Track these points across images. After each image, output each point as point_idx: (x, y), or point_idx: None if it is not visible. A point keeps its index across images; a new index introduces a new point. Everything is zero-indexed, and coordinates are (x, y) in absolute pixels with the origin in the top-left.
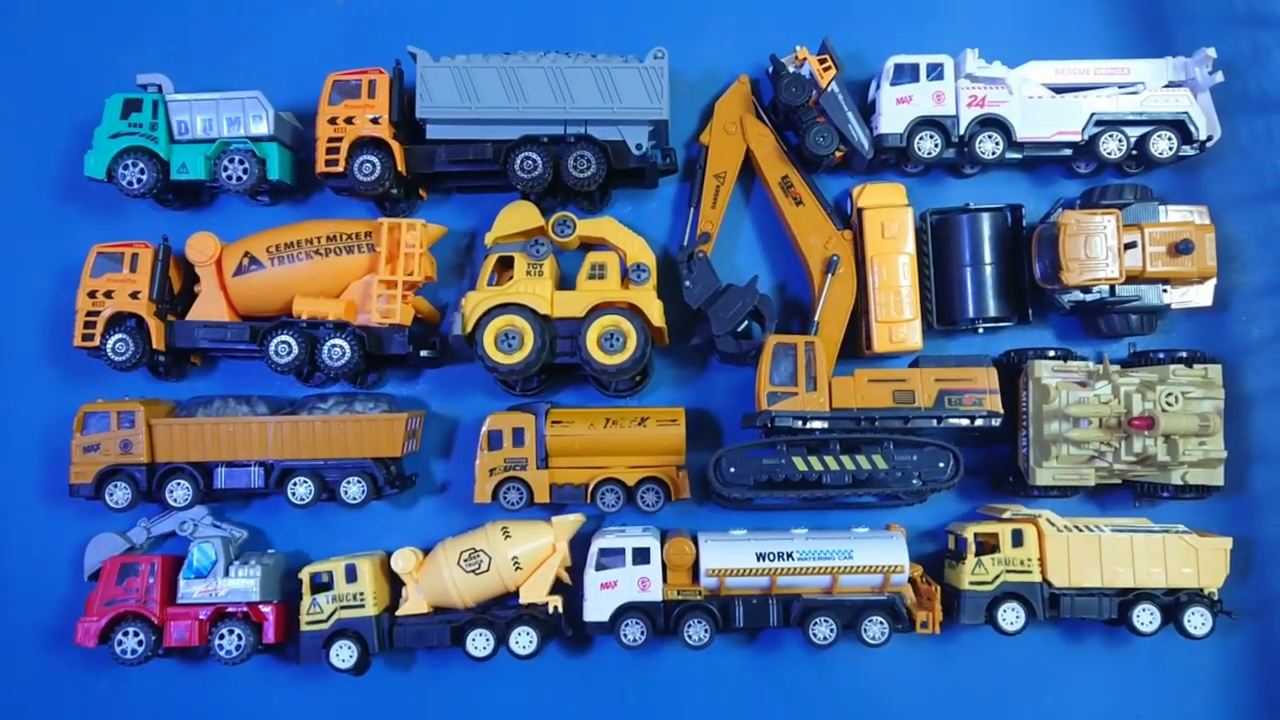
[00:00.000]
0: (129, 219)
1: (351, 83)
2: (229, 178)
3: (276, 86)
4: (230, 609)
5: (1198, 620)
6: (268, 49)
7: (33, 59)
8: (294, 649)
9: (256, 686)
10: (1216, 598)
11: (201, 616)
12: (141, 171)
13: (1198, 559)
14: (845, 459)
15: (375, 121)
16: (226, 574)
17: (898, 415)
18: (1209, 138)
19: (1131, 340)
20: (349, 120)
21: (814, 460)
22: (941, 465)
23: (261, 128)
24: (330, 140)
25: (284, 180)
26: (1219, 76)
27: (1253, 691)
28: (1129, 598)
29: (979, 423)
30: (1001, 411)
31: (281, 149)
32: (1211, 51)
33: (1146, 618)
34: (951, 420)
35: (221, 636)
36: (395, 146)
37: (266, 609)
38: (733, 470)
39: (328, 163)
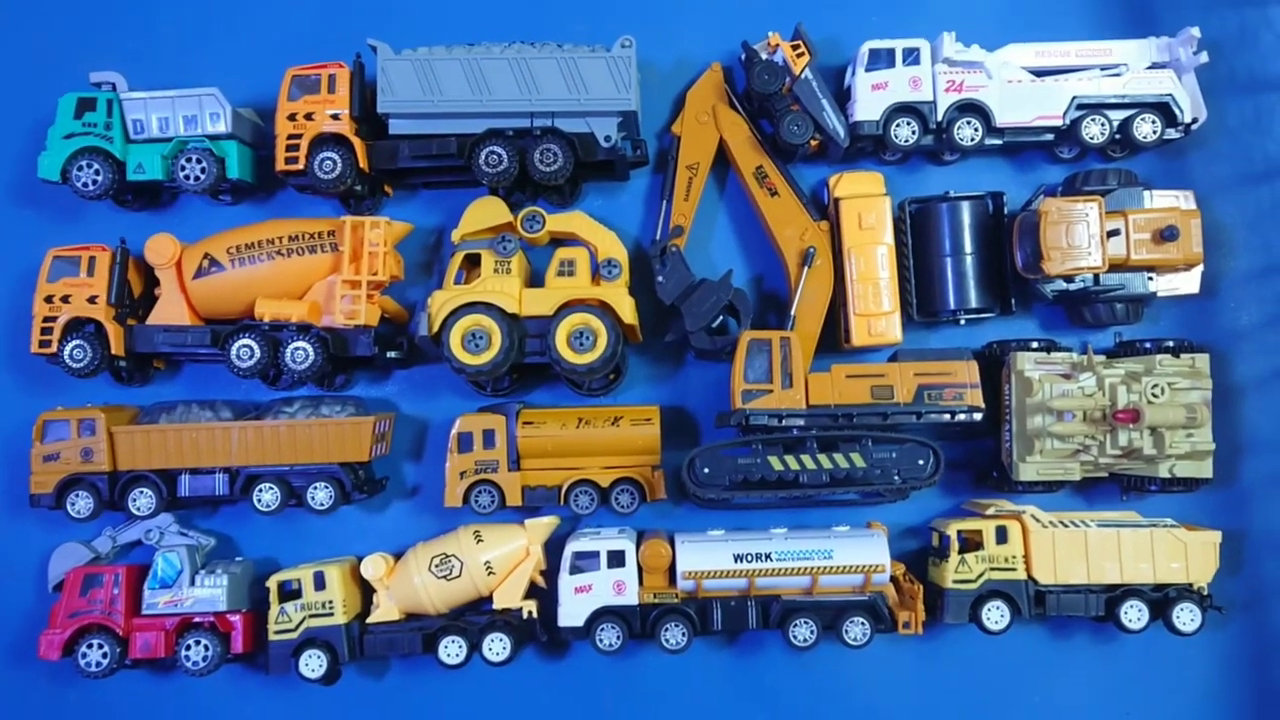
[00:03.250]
0: (87, 221)
1: (311, 77)
2: (187, 177)
3: (235, 82)
4: (197, 619)
5: (1186, 616)
6: (225, 44)
7: None
8: (263, 658)
9: (226, 697)
10: (1206, 593)
11: (167, 627)
12: (97, 172)
13: (1186, 553)
14: (823, 458)
15: (336, 117)
16: (192, 583)
17: (876, 412)
18: (1194, 120)
19: (1118, 329)
20: (309, 116)
21: (790, 459)
22: (921, 463)
23: (219, 126)
24: (290, 137)
25: (244, 179)
26: (1204, 57)
27: (1243, 688)
28: (1116, 594)
29: (959, 418)
30: (983, 406)
31: (241, 147)
32: (1196, 31)
33: (1134, 614)
34: (931, 416)
35: (188, 647)
36: (357, 143)
37: (234, 618)
38: (707, 471)
39: (288, 160)
